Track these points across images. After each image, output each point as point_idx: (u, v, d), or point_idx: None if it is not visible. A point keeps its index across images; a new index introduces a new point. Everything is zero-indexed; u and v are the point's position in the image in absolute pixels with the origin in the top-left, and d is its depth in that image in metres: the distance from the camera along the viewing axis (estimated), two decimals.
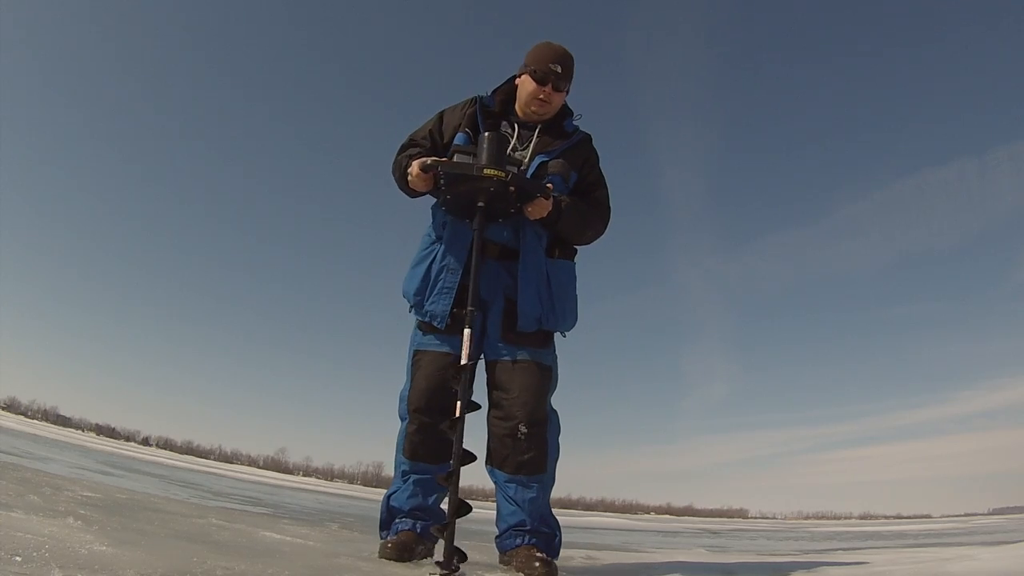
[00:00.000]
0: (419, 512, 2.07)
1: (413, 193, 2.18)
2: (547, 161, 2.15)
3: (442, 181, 1.97)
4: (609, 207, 2.27)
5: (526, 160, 2.14)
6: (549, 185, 2.03)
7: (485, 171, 1.89)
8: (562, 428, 2.15)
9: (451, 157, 2.03)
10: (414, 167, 2.05)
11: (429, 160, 2.02)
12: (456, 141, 2.15)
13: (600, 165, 2.29)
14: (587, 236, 2.24)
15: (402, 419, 2.14)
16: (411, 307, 2.18)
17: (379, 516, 2.14)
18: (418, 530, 2.03)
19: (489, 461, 2.10)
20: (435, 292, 2.11)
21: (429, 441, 2.06)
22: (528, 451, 2.02)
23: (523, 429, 2.01)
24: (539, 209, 2.01)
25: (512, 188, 1.92)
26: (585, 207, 2.18)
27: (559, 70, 2.16)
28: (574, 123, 2.28)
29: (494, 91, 2.29)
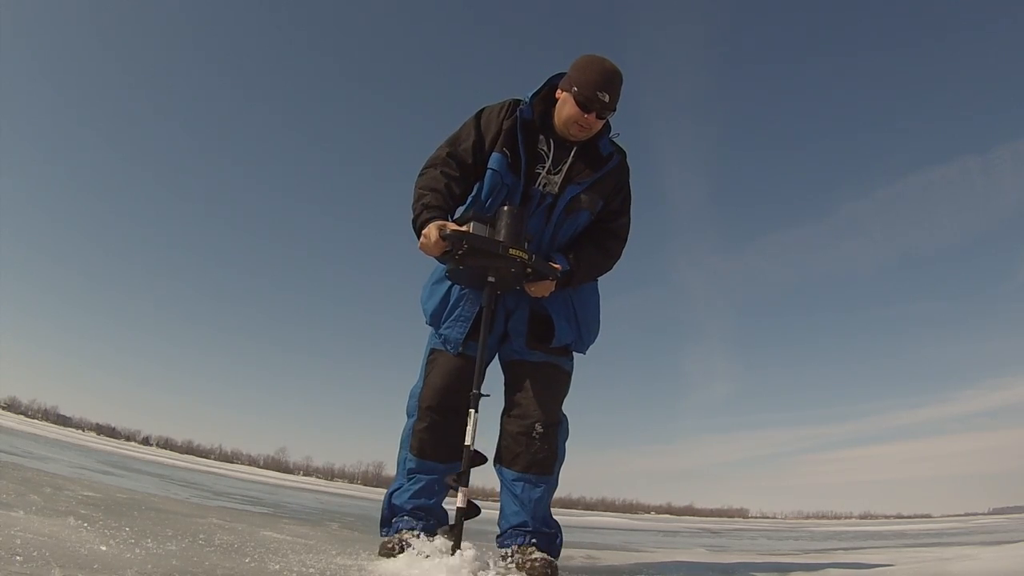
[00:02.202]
0: (421, 511, 2.06)
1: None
2: (579, 194, 2.09)
3: (460, 252, 1.88)
4: (625, 237, 2.23)
5: (556, 188, 2.09)
6: (557, 266, 2.01)
7: (510, 251, 1.86)
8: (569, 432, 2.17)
9: (467, 224, 1.93)
10: (432, 232, 1.91)
11: (449, 229, 1.90)
12: (491, 164, 2.06)
13: (630, 184, 2.22)
14: (594, 278, 2.24)
15: (409, 416, 2.14)
16: (427, 322, 2.19)
17: (380, 514, 2.13)
18: (419, 529, 2.01)
19: (498, 460, 2.10)
20: (452, 318, 2.11)
21: (438, 439, 2.07)
22: (540, 451, 2.04)
23: (539, 429, 2.04)
24: (542, 289, 2.03)
25: (529, 270, 1.92)
26: (594, 261, 2.15)
27: (606, 99, 2.01)
28: (612, 140, 2.18)
29: (533, 96, 2.13)
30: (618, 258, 2.22)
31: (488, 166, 2.07)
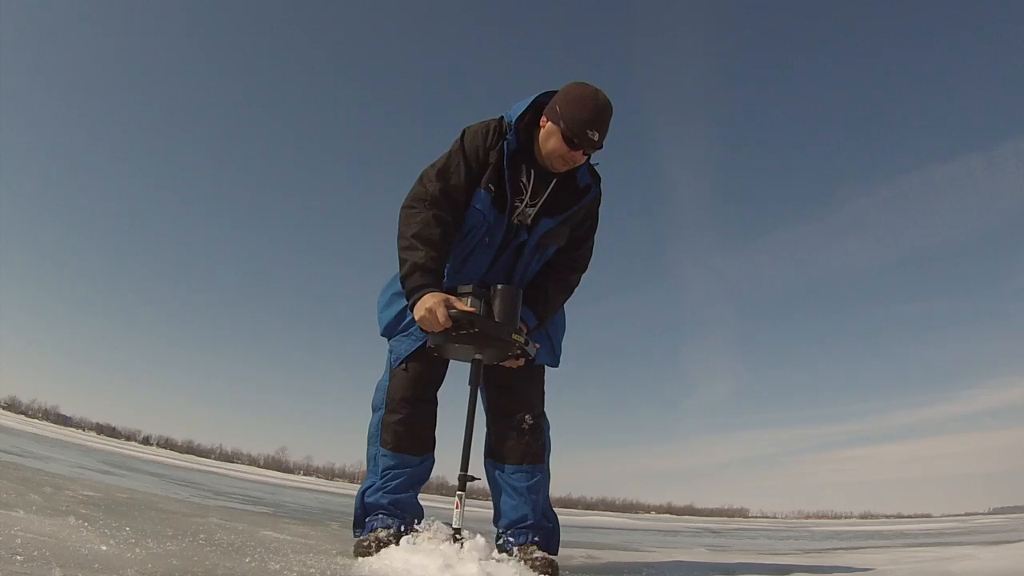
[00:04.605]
0: (396, 508, 2.03)
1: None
2: (551, 230, 2.05)
3: (462, 332, 1.83)
4: (587, 266, 2.22)
5: (529, 220, 2.04)
6: (537, 345, 2.02)
7: (513, 336, 1.86)
8: (563, 427, 2.21)
9: (464, 297, 1.89)
10: (440, 311, 1.79)
11: (457, 311, 1.81)
12: (476, 203, 1.99)
13: (599, 211, 2.18)
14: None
15: (376, 410, 2.12)
16: (381, 332, 2.17)
17: (353, 514, 2.10)
18: (394, 528, 1.97)
19: (491, 456, 2.12)
20: (405, 334, 2.09)
21: (414, 432, 2.07)
22: (533, 441, 2.09)
23: (529, 421, 2.10)
24: (517, 362, 2.05)
25: (519, 351, 1.94)
26: (558, 301, 2.16)
27: (595, 137, 1.91)
28: (590, 167, 2.11)
29: (519, 119, 2.01)
30: (572, 292, 2.21)
31: (473, 204, 2.01)
